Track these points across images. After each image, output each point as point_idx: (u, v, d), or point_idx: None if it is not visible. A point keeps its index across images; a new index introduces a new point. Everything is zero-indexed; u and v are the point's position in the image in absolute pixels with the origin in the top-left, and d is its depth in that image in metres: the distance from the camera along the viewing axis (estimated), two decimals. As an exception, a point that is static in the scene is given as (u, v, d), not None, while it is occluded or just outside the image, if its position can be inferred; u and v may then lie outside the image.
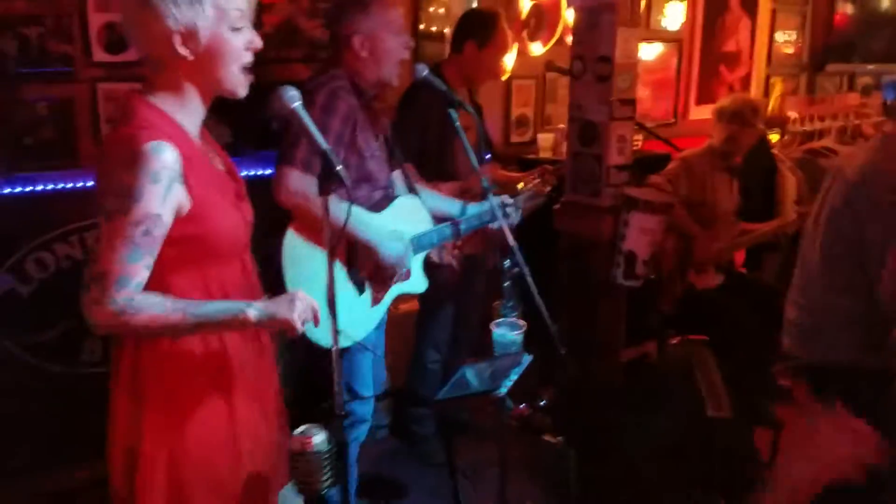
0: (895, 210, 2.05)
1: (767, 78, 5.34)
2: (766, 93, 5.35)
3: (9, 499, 2.81)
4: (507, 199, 2.72)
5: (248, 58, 1.60)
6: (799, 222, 3.87)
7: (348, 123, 2.35)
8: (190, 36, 1.51)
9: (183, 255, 1.57)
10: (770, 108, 5.23)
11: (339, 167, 1.60)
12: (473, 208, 2.70)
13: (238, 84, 1.60)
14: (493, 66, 3.29)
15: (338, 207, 1.76)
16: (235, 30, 1.56)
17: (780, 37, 5.39)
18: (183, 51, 1.52)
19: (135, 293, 1.47)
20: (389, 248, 2.38)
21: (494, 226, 2.55)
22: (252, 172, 3.20)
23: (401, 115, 3.04)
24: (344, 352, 2.29)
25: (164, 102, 1.57)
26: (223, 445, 1.65)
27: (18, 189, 2.80)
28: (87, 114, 2.92)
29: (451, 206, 2.70)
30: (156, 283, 1.53)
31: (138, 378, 1.59)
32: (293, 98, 1.60)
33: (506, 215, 2.55)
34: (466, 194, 3.13)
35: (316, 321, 1.63)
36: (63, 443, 2.91)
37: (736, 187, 3.77)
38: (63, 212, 2.89)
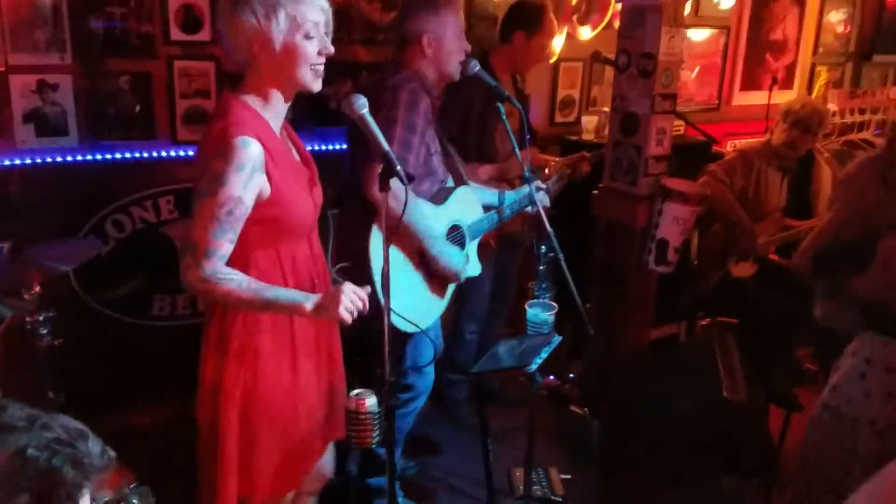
0: None
1: (812, 67, 5.37)
2: (811, 82, 5.39)
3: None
4: (539, 183, 2.92)
5: (319, 61, 1.81)
6: None
7: (427, 121, 2.55)
8: (266, 43, 1.75)
9: (263, 233, 1.82)
10: (814, 97, 5.28)
11: (398, 167, 1.82)
12: (510, 195, 2.89)
13: (310, 81, 1.83)
14: (540, 54, 3.45)
15: (412, 202, 1.96)
16: (308, 38, 1.77)
17: (833, 16, 5.38)
18: (261, 55, 1.77)
19: (220, 264, 1.73)
20: (451, 262, 2.60)
21: (531, 210, 2.75)
22: (310, 147, 3.43)
23: (447, 99, 3.22)
24: (410, 337, 2.54)
25: (252, 101, 1.82)
26: (285, 392, 1.93)
27: (100, 156, 3.07)
28: (163, 88, 3.15)
29: (489, 196, 2.89)
30: (241, 256, 1.80)
31: (224, 332, 1.86)
32: (362, 105, 1.82)
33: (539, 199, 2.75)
34: (504, 176, 3.33)
35: (364, 309, 1.84)
36: (136, 386, 3.23)
37: (786, 185, 3.87)
38: (139, 178, 3.16)
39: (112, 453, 1.20)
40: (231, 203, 1.72)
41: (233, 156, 1.70)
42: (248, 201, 1.75)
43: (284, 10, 1.73)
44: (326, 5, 1.81)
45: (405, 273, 2.53)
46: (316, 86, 1.85)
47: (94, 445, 1.14)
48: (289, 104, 1.90)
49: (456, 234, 2.72)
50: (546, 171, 3.21)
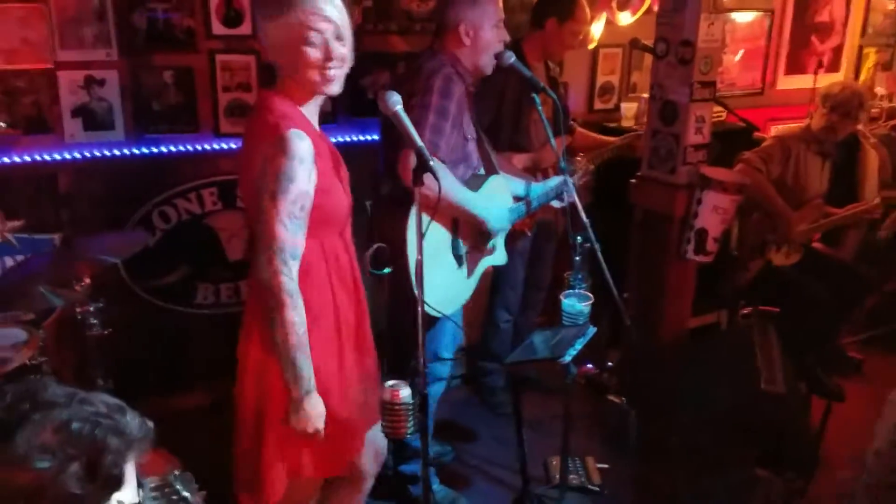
0: None
1: (860, 49, 5.23)
2: (858, 64, 5.25)
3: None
4: (568, 178, 2.92)
5: (328, 66, 1.84)
6: (882, 207, 3.88)
7: (460, 107, 2.57)
8: (276, 46, 1.84)
9: (308, 223, 1.85)
10: (861, 80, 5.15)
11: (432, 162, 1.85)
12: (538, 187, 2.90)
13: (320, 85, 1.86)
14: (572, 41, 3.43)
15: (448, 181, 1.99)
16: (309, 44, 1.81)
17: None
18: (278, 59, 1.85)
19: (295, 281, 1.78)
20: (495, 220, 2.64)
21: (557, 205, 2.75)
22: (349, 138, 3.49)
23: (481, 87, 3.23)
24: (434, 321, 2.57)
25: (288, 97, 1.88)
26: (332, 384, 1.97)
27: (145, 150, 3.16)
28: (206, 82, 3.21)
29: (516, 186, 2.90)
30: None
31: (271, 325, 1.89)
32: (395, 102, 1.85)
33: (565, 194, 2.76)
34: (539, 166, 3.33)
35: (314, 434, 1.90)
36: (182, 372, 3.33)
37: (827, 171, 3.80)
38: (184, 171, 3.24)
39: (150, 424, 1.26)
40: (302, 198, 1.79)
41: (292, 150, 1.76)
42: (312, 194, 1.82)
43: (286, 16, 1.80)
44: (336, 13, 1.85)
45: (439, 256, 2.55)
46: (331, 89, 1.88)
47: (132, 418, 1.20)
48: (319, 103, 1.95)
49: None
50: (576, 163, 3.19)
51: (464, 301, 2.74)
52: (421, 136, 2.42)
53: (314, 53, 1.82)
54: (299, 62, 1.83)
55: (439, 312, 2.26)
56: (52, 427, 1.09)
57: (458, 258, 2.66)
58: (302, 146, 1.77)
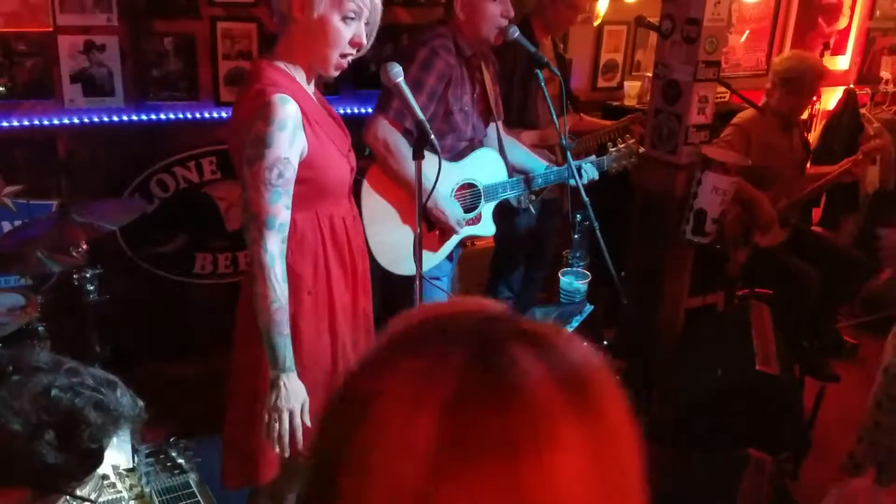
0: None
1: (867, 32, 5.19)
2: (865, 48, 5.21)
3: (127, 384, 3.27)
4: (593, 158, 2.90)
5: (349, 50, 1.81)
6: (866, 161, 3.81)
7: (442, 80, 2.55)
8: (307, 5, 1.74)
9: (301, 194, 1.82)
10: (868, 65, 5.11)
11: (432, 136, 1.84)
12: (553, 168, 2.88)
13: (331, 66, 1.82)
14: (572, 16, 3.39)
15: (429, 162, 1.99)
16: (345, 20, 1.77)
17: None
18: (297, 14, 1.76)
19: (280, 249, 1.73)
20: (445, 213, 2.59)
21: (571, 183, 2.73)
22: (351, 110, 3.47)
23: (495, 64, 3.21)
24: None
25: (284, 67, 1.83)
26: (325, 360, 1.96)
27: (144, 117, 3.14)
28: (207, 49, 3.18)
29: (535, 164, 2.88)
30: None
31: None
32: (397, 74, 1.84)
33: (580, 175, 2.73)
34: (546, 142, 3.32)
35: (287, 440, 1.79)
36: (175, 339, 3.34)
37: (797, 138, 3.75)
38: (183, 139, 3.22)
39: (142, 404, 1.23)
40: (280, 164, 1.71)
41: (273, 115, 1.70)
42: (295, 161, 1.75)
43: None
44: (377, 1, 1.81)
45: (394, 223, 2.53)
46: (333, 72, 1.85)
47: (123, 395, 1.18)
48: (311, 82, 1.90)
49: (469, 192, 2.73)
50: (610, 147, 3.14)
51: (437, 261, 2.71)
52: (392, 104, 2.44)
53: (346, 32, 1.76)
54: (325, 34, 1.76)
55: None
56: (32, 393, 1.07)
57: (430, 221, 2.63)
58: (284, 111, 1.70)
